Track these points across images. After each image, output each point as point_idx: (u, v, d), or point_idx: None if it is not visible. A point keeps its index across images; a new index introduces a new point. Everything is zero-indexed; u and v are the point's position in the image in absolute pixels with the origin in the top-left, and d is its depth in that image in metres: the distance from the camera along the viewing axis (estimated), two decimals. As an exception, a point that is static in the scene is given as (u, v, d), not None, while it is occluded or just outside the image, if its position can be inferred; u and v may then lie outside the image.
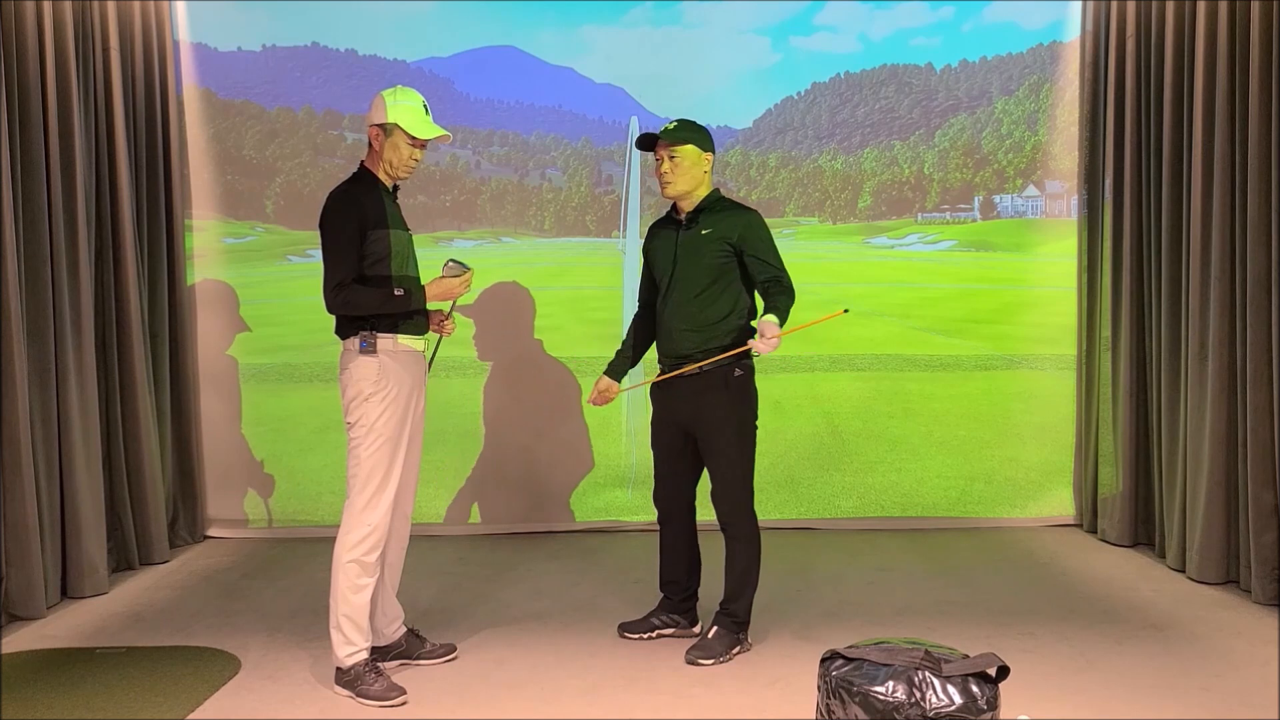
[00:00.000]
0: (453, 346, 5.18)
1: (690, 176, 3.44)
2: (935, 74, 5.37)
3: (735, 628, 3.53)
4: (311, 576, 4.46)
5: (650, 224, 3.73)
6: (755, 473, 3.53)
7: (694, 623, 3.73)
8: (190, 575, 4.60)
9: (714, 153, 3.53)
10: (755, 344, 3.28)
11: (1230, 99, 4.05)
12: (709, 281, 3.43)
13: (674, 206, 3.57)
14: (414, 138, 3.24)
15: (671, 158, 3.43)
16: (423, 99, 3.29)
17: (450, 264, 3.32)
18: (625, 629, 3.72)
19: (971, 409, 5.32)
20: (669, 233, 3.56)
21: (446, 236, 5.42)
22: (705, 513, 3.67)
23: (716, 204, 3.51)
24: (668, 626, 3.71)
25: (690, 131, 3.44)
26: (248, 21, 5.27)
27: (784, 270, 3.45)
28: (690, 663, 3.43)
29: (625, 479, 5.28)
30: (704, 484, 3.64)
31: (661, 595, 3.77)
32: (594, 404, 3.75)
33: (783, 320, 3.26)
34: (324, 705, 3.17)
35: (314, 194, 5.26)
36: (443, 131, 3.28)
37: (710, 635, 3.52)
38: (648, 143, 3.49)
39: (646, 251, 3.65)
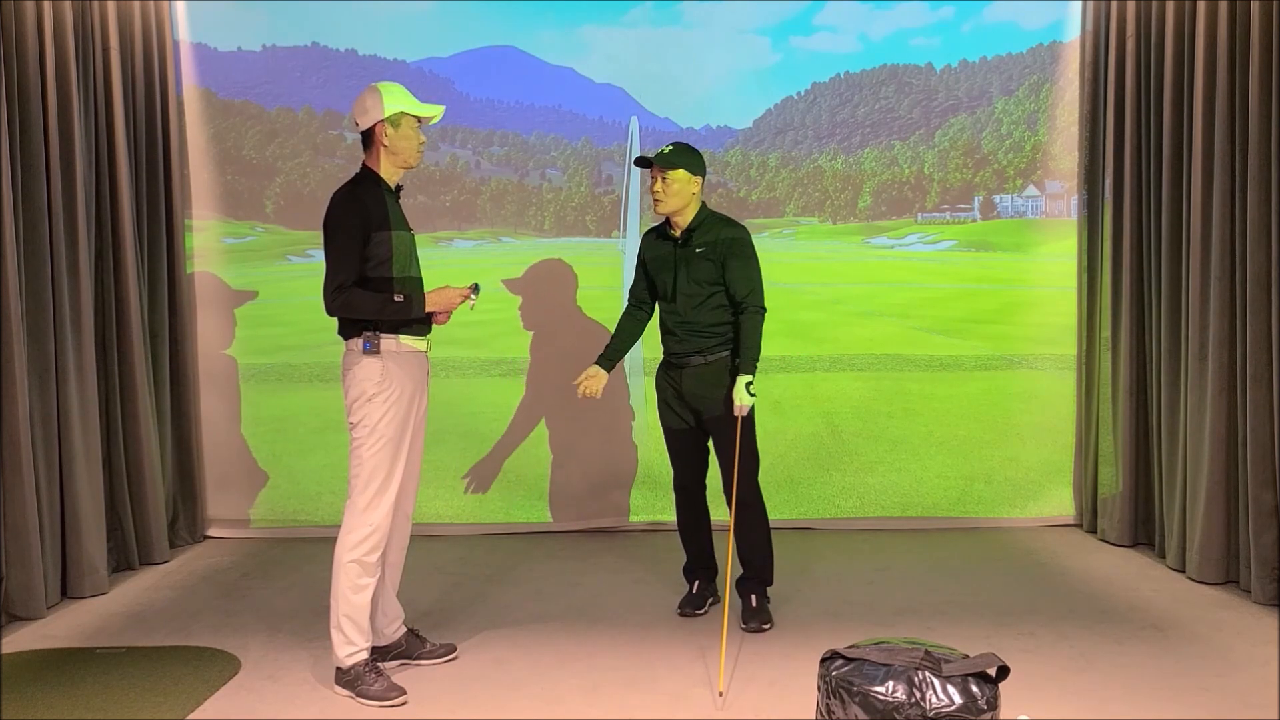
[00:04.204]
0: (452, 346, 5.19)
1: (680, 197, 3.73)
2: (935, 74, 5.37)
3: (766, 593, 3.91)
4: (311, 576, 4.46)
5: (646, 230, 4.02)
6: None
7: None
8: (190, 575, 4.60)
9: (705, 175, 3.81)
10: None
11: (1230, 99, 4.05)
12: (707, 294, 3.76)
13: (668, 220, 3.85)
14: (420, 118, 3.31)
15: (664, 179, 3.72)
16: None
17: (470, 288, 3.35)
18: (685, 606, 3.97)
19: (971, 409, 5.32)
20: (666, 246, 3.85)
21: (446, 236, 5.42)
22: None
23: (706, 221, 3.79)
24: (712, 599, 4.04)
25: (682, 156, 3.72)
26: (248, 21, 5.27)
27: (757, 287, 3.76)
28: (755, 630, 3.73)
29: (626, 479, 5.28)
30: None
31: (700, 574, 4.04)
32: (584, 390, 3.87)
33: (747, 367, 3.66)
34: (324, 705, 3.18)
35: (314, 194, 5.26)
36: (440, 107, 3.36)
37: (754, 605, 3.84)
38: (644, 162, 3.78)
39: (645, 260, 3.94)
